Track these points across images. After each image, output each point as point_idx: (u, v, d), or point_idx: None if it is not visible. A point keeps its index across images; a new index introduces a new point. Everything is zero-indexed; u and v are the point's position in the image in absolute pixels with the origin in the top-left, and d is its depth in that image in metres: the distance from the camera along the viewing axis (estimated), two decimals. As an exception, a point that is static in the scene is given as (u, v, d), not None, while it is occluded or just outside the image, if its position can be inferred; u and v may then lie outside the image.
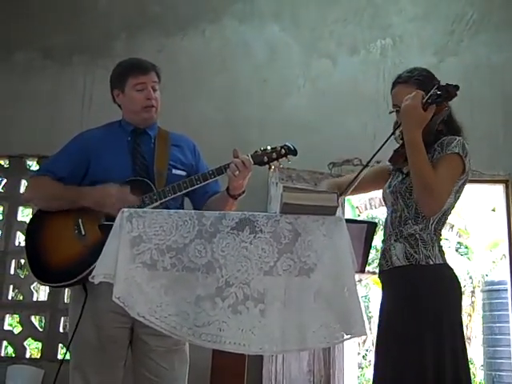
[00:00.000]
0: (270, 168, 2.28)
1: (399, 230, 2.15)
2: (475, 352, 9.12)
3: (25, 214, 5.03)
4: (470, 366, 2.18)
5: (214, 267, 1.68)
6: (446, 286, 2.08)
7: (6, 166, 4.69)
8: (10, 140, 4.52)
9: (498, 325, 6.87)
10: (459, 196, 2.17)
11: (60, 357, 4.26)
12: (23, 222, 4.51)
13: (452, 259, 8.78)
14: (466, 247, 10.93)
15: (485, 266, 10.20)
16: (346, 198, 4.27)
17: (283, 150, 2.24)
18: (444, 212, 2.13)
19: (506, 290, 4.80)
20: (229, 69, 4.65)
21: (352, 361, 8.63)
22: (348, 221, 1.75)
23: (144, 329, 2.00)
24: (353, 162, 4.37)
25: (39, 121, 4.52)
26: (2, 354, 4.39)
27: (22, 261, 4.50)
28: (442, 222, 2.15)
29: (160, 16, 4.77)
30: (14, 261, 4.47)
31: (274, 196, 4.05)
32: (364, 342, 10.22)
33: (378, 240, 2.27)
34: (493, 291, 7.15)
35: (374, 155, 2.13)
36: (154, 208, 2.16)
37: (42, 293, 5.77)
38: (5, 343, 4.42)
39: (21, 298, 4.66)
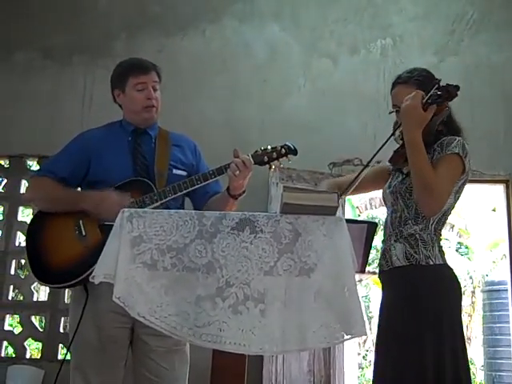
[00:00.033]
0: (270, 168, 2.28)
1: (399, 231, 2.15)
2: (475, 352, 9.12)
3: (25, 214, 5.03)
4: (470, 366, 2.18)
5: (214, 267, 1.68)
6: (446, 286, 2.08)
7: (6, 165, 4.68)
8: (10, 140, 4.52)
9: (498, 325, 6.87)
10: (459, 196, 2.17)
11: (60, 357, 4.26)
12: (23, 222, 4.52)
13: (452, 259, 8.78)
14: (467, 247, 10.94)
15: (485, 266, 10.20)
16: (347, 197, 4.27)
17: (283, 150, 2.24)
18: (444, 212, 2.13)
19: (507, 290, 4.80)
20: (229, 69, 4.65)
21: (352, 361, 8.63)
22: (348, 221, 1.75)
23: (144, 329, 2.00)
24: (353, 162, 4.37)
25: (39, 121, 4.52)
26: (3, 355, 4.38)
27: (23, 261, 4.50)
28: (442, 222, 2.15)
29: (160, 16, 4.77)
30: (14, 261, 4.46)
31: (274, 196, 4.05)
32: (364, 342, 10.22)
33: (378, 240, 2.27)
34: (493, 291, 7.15)
35: (374, 155, 2.13)
36: (154, 208, 2.15)
37: (42, 293, 5.77)
38: (5, 343, 4.42)
39: (21, 298, 4.66)
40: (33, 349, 5.95)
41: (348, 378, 5.91)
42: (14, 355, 4.39)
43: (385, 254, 2.18)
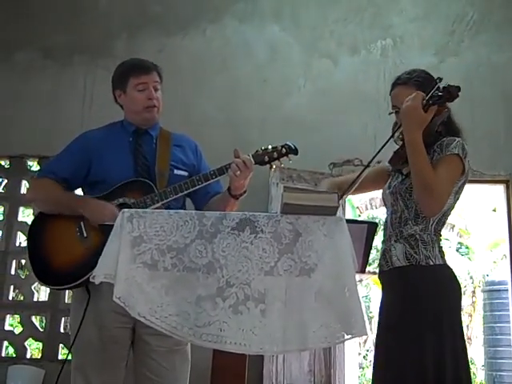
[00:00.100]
0: (271, 167, 2.28)
1: (399, 231, 2.15)
2: (476, 352, 9.12)
3: (25, 215, 5.03)
4: (471, 366, 2.19)
5: (214, 267, 1.68)
6: (446, 286, 2.08)
7: (6, 166, 4.68)
8: (11, 140, 4.52)
9: (498, 325, 6.87)
10: (459, 197, 2.17)
11: (61, 357, 4.26)
12: (24, 223, 4.52)
13: (453, 259, 8.78)
14: (467, 247, 10.93)
15: (485, 266, 10.19)
16: (347, 198, 4.27)
17: (284, 150, 2.23)
18: (444, 213, 2.13)
19: (507, 290, 4.80)
20: (229, 68, 4.66)
21: (353, 361, 8.64)
22: (349, 221, 1.75)
23: (145, 329, 1.99)
24: (353, 163, 4.37)
25: (39, 121, 4.52)
26: (3, 355, 4.39)
27: (23, 261, 4.51)
28: (441, 222, 2.15)
29: (161, 16, 4.77)
30: (14, 261, 4.47)
31: (274, 196, 4.05)
32: (365, 342, 10.21)
33: (378, 240, 2.27)
34: (493, 291, 7.15)
35: (375, 156, 2.14)
36: (155, 209, 2.15)
37: (42, 293, 5.76)
38: (5, 343, 4.42)
39: (21, 298, 4.66)
40: (33, 349, 5.95)
41: (348, 378, 5.91)
42: (14, 355, 4.40)
43: (385, 254, 2.18)
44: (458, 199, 2.17)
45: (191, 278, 1.69)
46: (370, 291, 10.71)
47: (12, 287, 4.50)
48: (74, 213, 2.25)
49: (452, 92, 2.02)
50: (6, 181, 4.75)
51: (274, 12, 4.78)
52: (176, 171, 2.37)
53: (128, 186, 2.29)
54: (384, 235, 2.25)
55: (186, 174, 2.38)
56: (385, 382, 2.06)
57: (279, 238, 1.69)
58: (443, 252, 2.14)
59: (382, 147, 2.12)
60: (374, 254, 6.42)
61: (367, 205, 9.38)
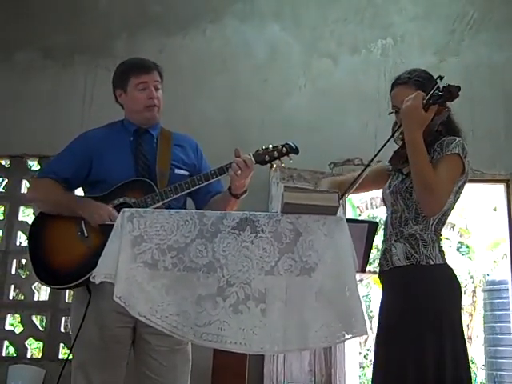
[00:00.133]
0: (271, 167, 2.28)
1: (400, 231, 2.15)
2: (476, 351, 9.13)
3: (26, 214, 5.03)
4: (471, 365, 2.19)
5: (215, 267, 1.68)
6: (446, 286, 2.09)
7: (6, 165, 4.69)
8: (11, 140, 4.52)
9: (499, 324, 6.88)
10: (459, 196, 2.17)
11: (61, 356, 4.26)
12: (24, 222, 4.52)
13: (453, 259, 8.79)
14: (467, 247, 10.94)
15: (486, 265, 10.20)
16: (347, 197, 4.27)
17: (285, 149, 2.23)
18: (444, 212, 2.14)
19: (507, 289, 4.80)
20: (229, 68, 4.65)
21: (353, 360, 8.64)
22: (349, 220, 1.75)
23: (146, 328, 2.00)
24: (354, 162, 4.37)
25: (40, 121, 4.52)
26: (4, 354, 4.39)
27: (23, 261, 4.51)
28: (442, 222, 2.16)
29: (161, 16, 4.77)
30: (15, 261, 4.47)
31: (275, 196, 4.06)
32: (365, 341, 10.22)
33: (378, 240, 2.27)
34: (494, 291, 7.16)
35: (375, 156, 2.14)
36: (156, 208, 2.15)
37: (42, 292, 5.77)
38: (6, 343, 4.42)
39: (22, 297, 4.66)
40: (34, 348, 5.96)
41: (349, 378, 5.91)
42: (14, 355, 4.40)
43: (385, 253, 2.19)
44: (458, 199, 2.17)
45: (192, 278, 1.69)
46: (370, 291, 10.72)
47: (12, 287, 4.50)
48: (73, 214, 2.25)
49: (452, 92, 2.02)
50: (6, 180, 4.75)
51: (274, 12, 4.78)
52: (177, 171, 2.37)
53: (129, 185, 2.29)
54: (384, 235, 2.25)
55: (186, 173, 2.38)
56: (385, 382, 2.06)
57: (280, 237, 1.69)
58: (443, 252, 2.14)
59: (383, 147, 2.12)
60: (375, 254, 6.42)
61: (367, 204, 9.39)
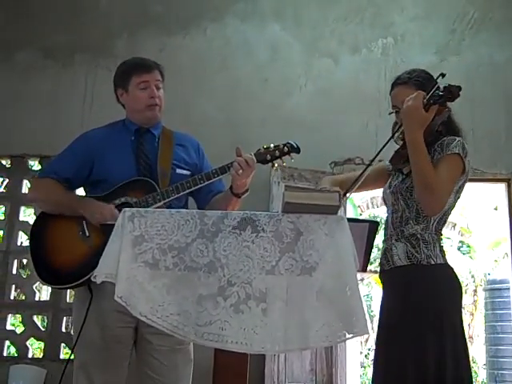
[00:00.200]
0: (273, 166, 2.28)
1: (400, 230, 2.15)
2: (477, 351, 9.12)
3: (27, 214, 5.02)
4: (472, 364, 2.18)
5: (215, 266, 1.68)
6: (447, 285, 2.08)
7: (7, 165, 4.69)
8: (12, 140, 4.52)
9: (500, 323, 6.87)
10: (459, 196, 2.17)
11: (62, 356, 4.27)
12: (25, 222, 4.52)
13: (454, 258, 8.79)
14: (468, 246, 10.93)
15: (487, 264, 10.20)
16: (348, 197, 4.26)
17: (286, 148, 2.23)
18: (445, 212, 2.14)
19: (508, 288, 4.80)
20: (230, 68, 4.65)
21: (354, 360, 8.64)
22: (350, 220, 1.75)
23: (148, 328, 1.99)
24: (354, 161, 4.37)
25: (40, 121, 4.52)
26: (5, 354, 4.39)
27: (25, 260, 4.51)
28: (442, 221, 2.16)
29: (161, 15, 4.77)
30: (16, 260, 4.47)
31: (275, 195, 4.06)
32: (366, 341, 10.22)
33: (379, 239, 2.27)
34: (495, 290, 7.15)
35: (376, 156, 2.14)
36: (157, 208, 2.15)
37: (44, 292, 5.78)
38: (7, 343, 4.42)
39: (23, 297, 4.66)
40: (35, 348, 5.96)
41: (350, 377, 5.90)
42: (16, 355, 4.40)
43: (386, 253, 2.18)
44: (458, 198, 2.17)
45: (192, 277, 1.69)
46: (371, 290, 10.72)
47: (13, 287, 4.50)
48: (74, 213, 2.25)
49: (453, 91, 2.02)
50: (7, 180, 4.75)
51: (274, 11, 4.78)
52: (178, 170, 2.37)
53: (130, 185, 2.29)
54: (385, 234, 2.25)
55: (188, 173, 2.38)
56: (385, 382, 2.06)
57: (280, 237, 1.69)
58: (444, 251, 2.14)
59: (383, 147, 2.12)
60: (375, 253, 6.42)
61: (368, 204, 9.39)
